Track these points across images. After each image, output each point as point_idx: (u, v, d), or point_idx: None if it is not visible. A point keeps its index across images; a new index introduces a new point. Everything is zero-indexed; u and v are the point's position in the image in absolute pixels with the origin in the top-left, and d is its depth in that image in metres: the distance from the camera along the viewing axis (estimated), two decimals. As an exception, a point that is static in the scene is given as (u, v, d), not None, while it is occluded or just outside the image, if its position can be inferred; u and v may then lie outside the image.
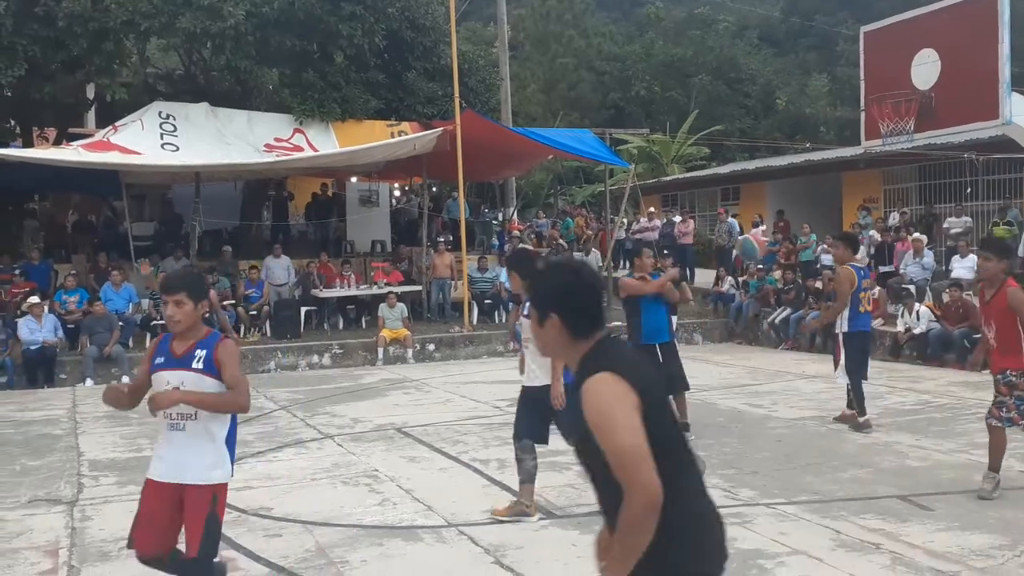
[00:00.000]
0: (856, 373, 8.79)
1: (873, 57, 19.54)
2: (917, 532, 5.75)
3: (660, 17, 48.96)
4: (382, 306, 15.79)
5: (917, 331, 13.75)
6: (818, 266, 17.39)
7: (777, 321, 16.37)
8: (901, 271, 16.16)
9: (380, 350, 15.27)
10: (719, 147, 38.35)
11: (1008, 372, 6.37)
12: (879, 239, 17.38)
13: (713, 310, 18.17)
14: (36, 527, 6.27)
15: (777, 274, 17.47)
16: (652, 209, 23.25)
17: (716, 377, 12.86)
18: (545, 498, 6.66)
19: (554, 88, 45.64)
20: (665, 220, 21.89)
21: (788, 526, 5.95)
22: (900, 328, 14.05)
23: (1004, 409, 6.42)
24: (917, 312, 13.91)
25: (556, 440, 8.67)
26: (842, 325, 8.83)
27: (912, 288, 15.19)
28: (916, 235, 16.55)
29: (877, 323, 14.56)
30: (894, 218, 19.12)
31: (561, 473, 7.43)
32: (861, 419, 8.77)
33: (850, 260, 9.06)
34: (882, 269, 16.56)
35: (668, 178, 33.84)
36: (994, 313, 6.46)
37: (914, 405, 10.32)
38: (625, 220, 22.82)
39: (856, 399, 8.84)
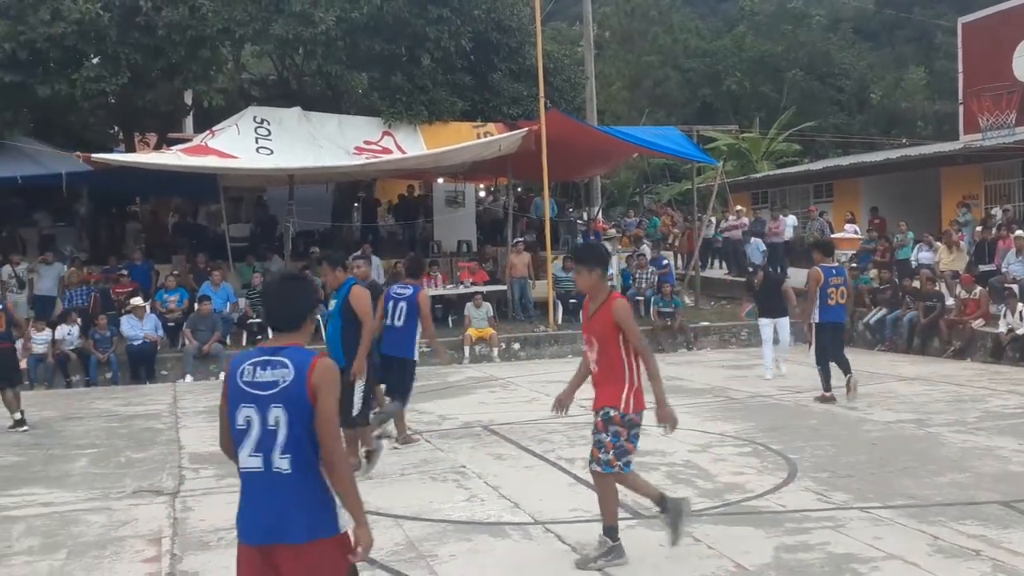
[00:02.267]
0: (822, 357, 10.44)
1: (972, 49, 18.88)
2: (1020, 539, 5.54)
3: (754, 12, 48.08)
4: (468, 305, 15.93)
5: (1021, 331, 13.21)
6: (915, 264, 16.86)
7: (872, 322, 15.92)
8: (1003, 270, 15.53)
9: (466, 348, 15.42)
10: (811, 143, 37.48)
11: (608, 409, 5.33)
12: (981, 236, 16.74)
13: (804, 314, 17.71)
14: (140, 516, 6.54)
15: (872, 273, 16.99)
16: (740, 207, 22.84)
17: (808, 379, 12.55)
18: (633, 498, 6.63)
19: (640, 85, 45.27)
20: (754, 218, 21.50)
21: (883, 531, 5.79)
22: (1002, 329, 13.53)
23: (603, 450, 5.34)
24: (1020, 312, 13.36)
25: (643, 440, 8.64)
26: (815, 316, 10.43)
27: (1015, 287, 14.58)
28: (1019, 232, 15.88)
29: (978, 323, 14.16)
30: (996, 215, 18.37)
31: (648, 473, 7.38)
32: (827, 394, 10.40)
33: (822, 262, 10.60)
34: (982, 268, 15.95)
35: (758, 175, 33.24)
36: (596, 331, 5.37)
37: (1016, 408, 9.91)
38: (713, 219, 22.51)
39: (822, 377, 10.49)
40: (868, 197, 24.97)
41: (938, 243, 17.08)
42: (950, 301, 15.09)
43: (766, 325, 12.62)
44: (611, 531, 5.34)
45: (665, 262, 18.30)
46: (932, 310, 14.87)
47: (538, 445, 8.53)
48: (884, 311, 15.77)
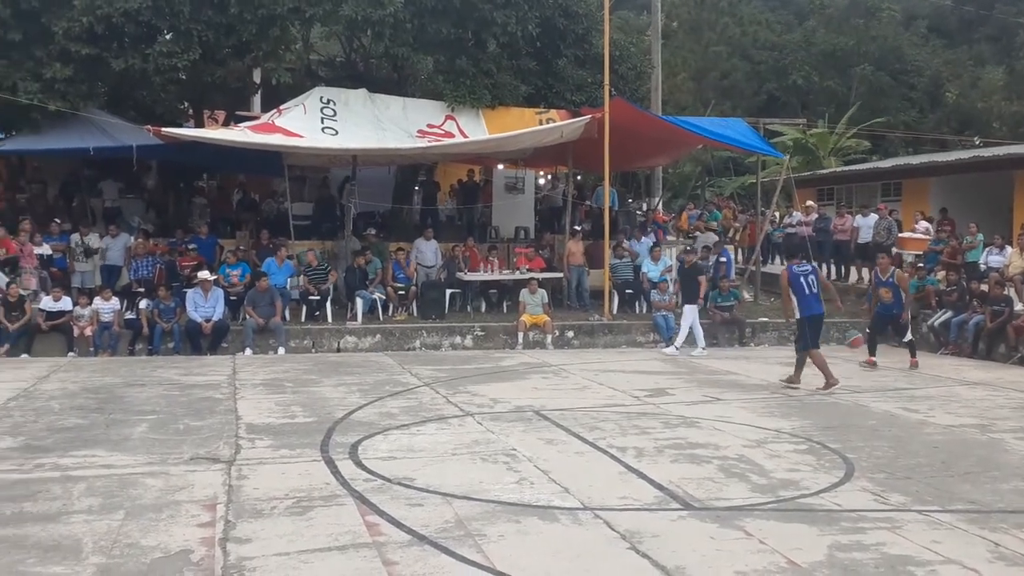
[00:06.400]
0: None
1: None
2: (1087, 552, 5.36)
3: (825, 5, 47.10)
4: (523, 291, 15.93)
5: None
6: (984, 267, 16.39)
7: (937, 324, 15.53)
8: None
9: (520, 334, 15.42)
10: (880, 140, 36.66)
11: None
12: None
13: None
14: (197, 482, 6.68)
15: (940, 275, 16.56)
16: (810, 202, 22.37)
17: (869, 379, 12.35)
18: (685, 490, 6.58)
19: (706, 76, 44.70)
20: (819, 215, 21.08)
21: (942, 534, 5.65)
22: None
23: None
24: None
25: (696, 433, 8.58)
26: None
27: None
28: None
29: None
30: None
31: (700, 466, 7.32)
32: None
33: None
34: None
35: (825, 171, 32.60)
36: None
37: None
38: (777, 214, 22.14)
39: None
40: (937, 197, 24.30)
41: (1009, 247, 16.58)
42: (1019, 306, 14.67)
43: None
44: None
45: (722, 259, 18.04)
46: (1000, 315, 14.45)
47: (589, 432, 8.50)
48: (950, 314, 15.38)
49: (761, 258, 20.06)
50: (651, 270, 17.29)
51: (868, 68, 41.35)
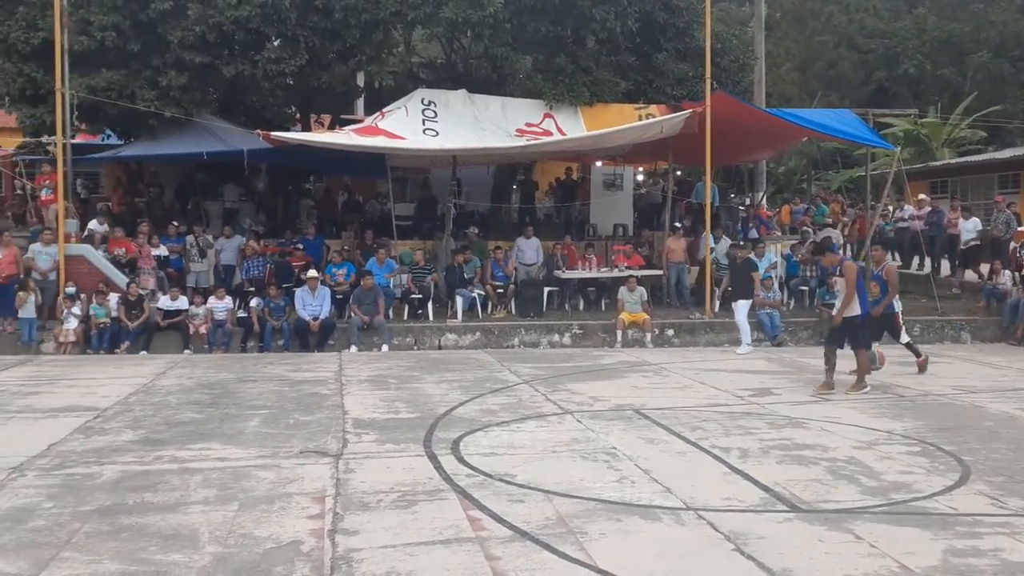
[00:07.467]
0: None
1: None
2: None
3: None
4: (622, 289, 15.83)
5: None
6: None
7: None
8: None
9: (619, 333, 15.33)
10: (997, 130, 34.96)
11: None
12: None
13: (985, 307, 16.64)
14: (307, 475, 6.88)
15: (1063, 269, 15.73)
16: (922, 196, 21.50)
17: (986, 379, 11.82)
18: (791, 492, 6.44)
19: (811, 67, 43.51)
20: (931, 209, 20.26)
21: (1067, 543, 5.39)
22: None
23: None
24: None
25: (803, 434, 8.38)
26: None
27: None
28: None
29: None
30: None
31: (808, 468, 7.16)
32: (864, 385, 10.72)
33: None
34: None
35: (938, 163, 31.33)
36: None
37: None
38: (891, 208, 21.39)
39: (859, 369, 10.85)
40: (1061, 189, 23.11)
41: None
42: None
43: None
44: None
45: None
46: None
47: (691, 432, 8.40)
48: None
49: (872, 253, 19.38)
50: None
51: (986, 55, 39.51)
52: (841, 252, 11.31)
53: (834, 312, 10.90)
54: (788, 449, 7.76)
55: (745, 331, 14.66)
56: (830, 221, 20.62)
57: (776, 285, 16.34)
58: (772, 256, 17.46)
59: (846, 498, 6.32)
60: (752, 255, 15.56)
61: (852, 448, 7.78)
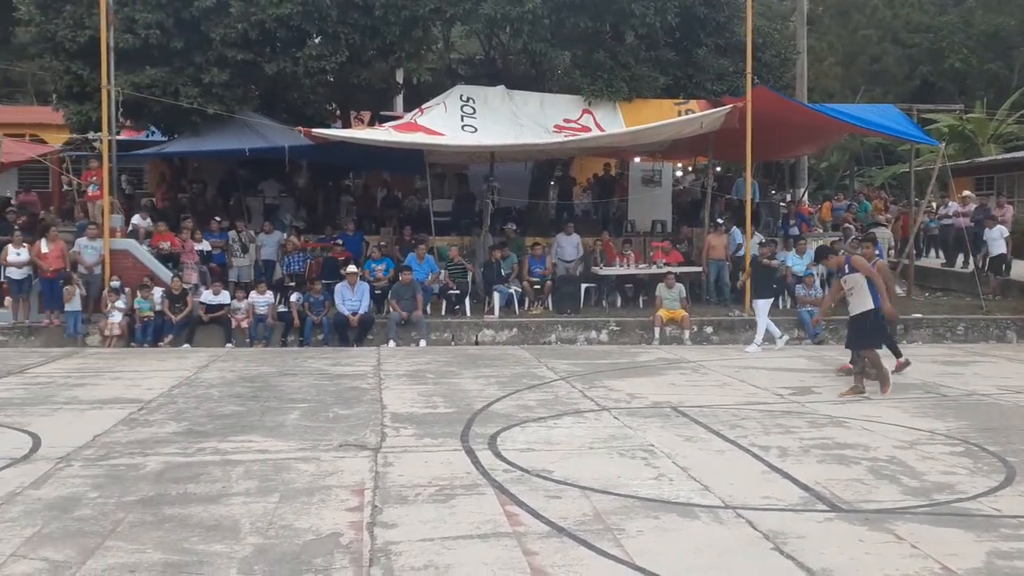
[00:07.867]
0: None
1: None
2: None
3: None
4: (660, 286, 15.75)
5: None
6: None
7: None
8: None
9: (656, 330, 15.26)
10: (1046, 126, 34.25)
11: None
12: None
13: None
14: (346, 468, 6.95)
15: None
16: (967, 192, 21.11)
17: (1032, 379, 11.59)
18: (831, 491, 6.38)
19: (854, 62, 42.86)
20: (977, 205, 19.91)
21: (1117, 547, 5.27)
22: None
23: None
24: None
25: (844, 433, 8.29)
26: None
27: None
28: None
29: None
30: None
31: (849, 467, 7.08)
32: (888, 384, 10.36)
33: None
34: None
35: (984, 159, 30.75)
36: None
37: None
38: (935, 204, 21.05)
39: (879, 373, 10.45)
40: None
41: None
42: None
43: None
44: None
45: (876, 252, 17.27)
46: None
47: (730, 430, 8.34)
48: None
49: (915, 251, 19.11)
50: (796, 264, 16.78)
51: (1034, 48, 38.72)
52: (877, 250, 10.93)
53: (880, 304, 10.48)
54: (828, 448, 7.68)
55: (760, 332, 14.38)
56: (882, 220, 20.32)
57: (817, 282, 16.16)
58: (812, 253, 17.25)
59: (887, 498, 6.24)
60: (774, 262, 15.40)
61: (894, 448, 7.67)
